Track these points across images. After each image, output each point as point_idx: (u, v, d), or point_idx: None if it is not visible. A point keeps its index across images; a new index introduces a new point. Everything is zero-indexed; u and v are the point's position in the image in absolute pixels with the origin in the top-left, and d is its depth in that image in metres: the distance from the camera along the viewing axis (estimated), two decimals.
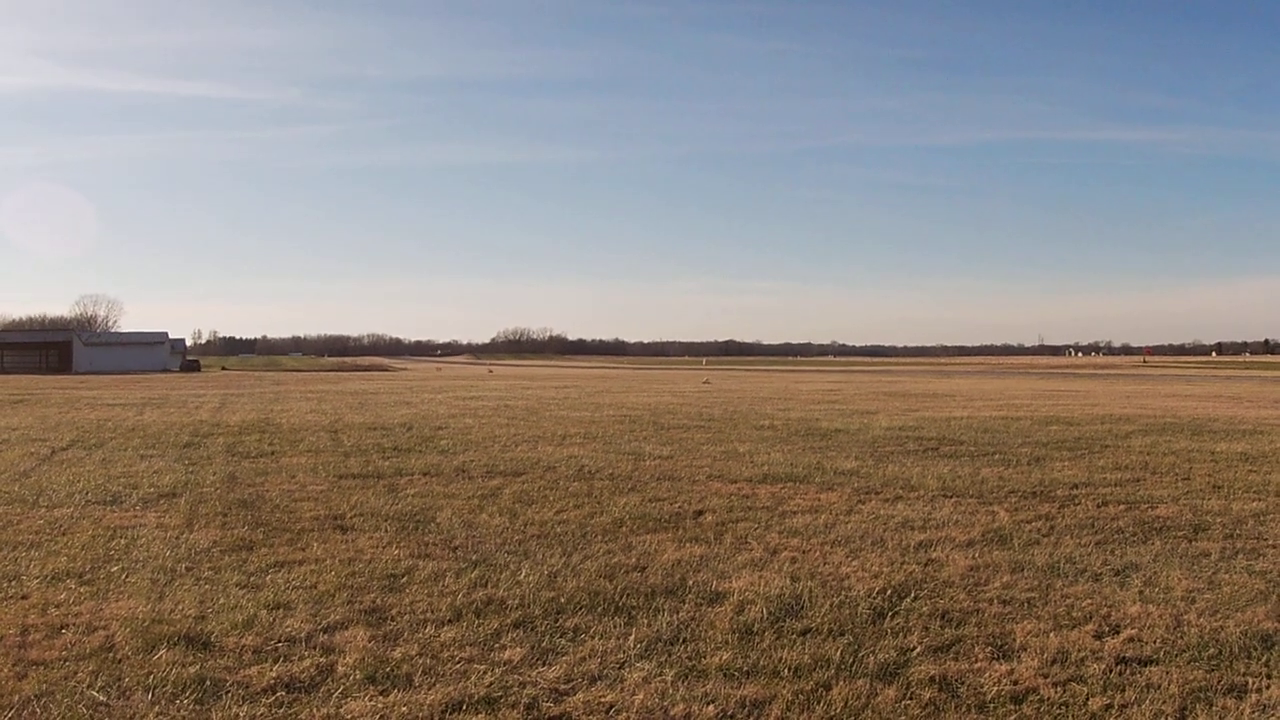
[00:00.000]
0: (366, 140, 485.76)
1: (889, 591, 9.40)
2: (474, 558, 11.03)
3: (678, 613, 8.76)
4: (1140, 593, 9.44)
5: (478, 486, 16.68)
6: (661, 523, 13.21)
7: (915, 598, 9.21)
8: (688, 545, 11.62)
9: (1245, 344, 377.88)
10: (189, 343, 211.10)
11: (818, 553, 11.20)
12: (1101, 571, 10.27)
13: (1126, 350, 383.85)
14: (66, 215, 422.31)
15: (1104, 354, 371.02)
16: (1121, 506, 14.40)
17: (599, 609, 8.89)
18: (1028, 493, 15.74)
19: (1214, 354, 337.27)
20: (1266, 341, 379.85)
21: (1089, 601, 9.12)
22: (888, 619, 8.60)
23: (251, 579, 10.17)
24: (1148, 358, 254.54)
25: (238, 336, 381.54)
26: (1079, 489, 16.11)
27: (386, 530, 12.79)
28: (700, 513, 13.97)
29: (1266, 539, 12.09)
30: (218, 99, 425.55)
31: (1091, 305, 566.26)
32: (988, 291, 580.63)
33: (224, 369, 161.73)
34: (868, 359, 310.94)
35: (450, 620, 8.61)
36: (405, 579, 10.07)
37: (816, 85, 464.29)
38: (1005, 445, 22.85)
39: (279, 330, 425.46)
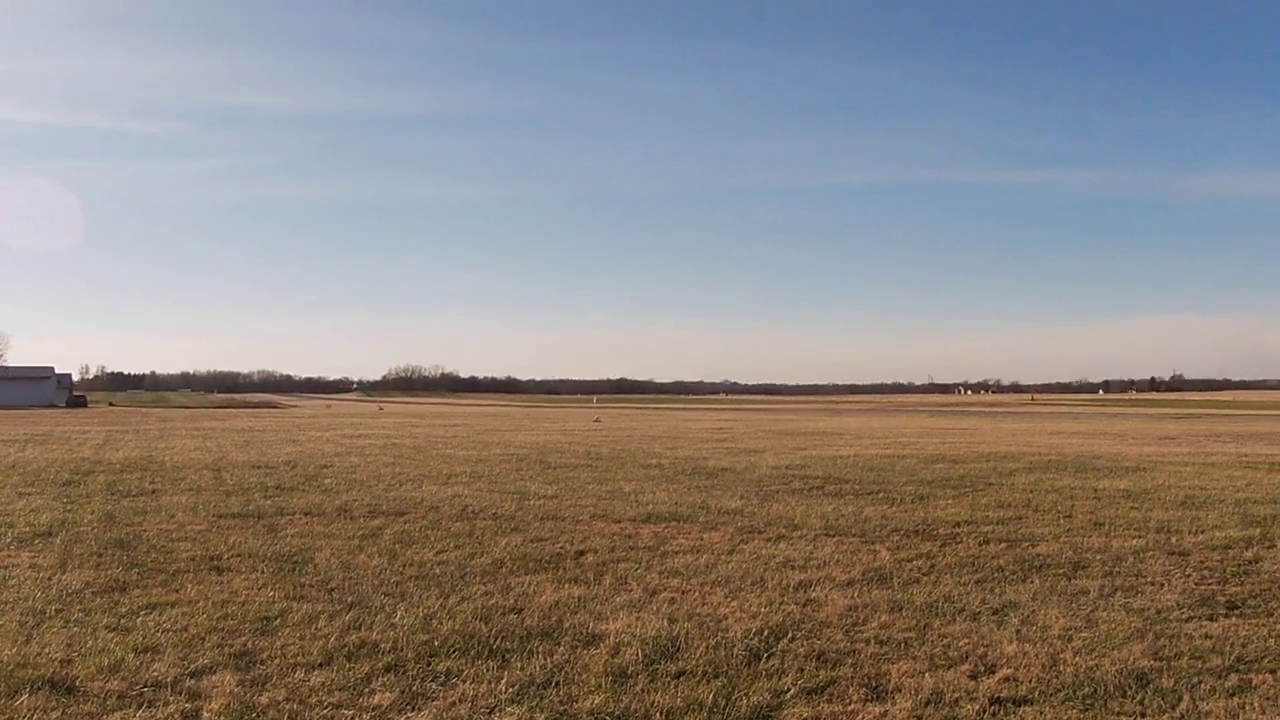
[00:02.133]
0: (259, 174, 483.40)
1: (766, 632, 9.34)
2: (349, 600, 10.87)
3: (552, 655, 8.66)
4: (1018, 631, 9.45)
5: (359, 526, 16.49)
6: (542, 563, 13.09)
7: (792, 638, 9.16)
8: (567, 586, 11.52)
9: (1131, 381, 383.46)
10: (76, 378, 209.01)
11: (697, 593, 11.13)
12: (980, 610, 10.27)
13: (1015, 388, 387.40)
14: None
15: (993, 392, 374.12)
16: (1003, 544, 14.45)
17: (473, 652, 8.77)
18: (910, 531, 15.76)
19: (1101, 392, 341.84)
20: (1152, 379, 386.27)
21: (966, 641, 9.11)
22: (763, 660, 8.54)
23: (122, 621, 9.96)
24: (1036, 396, 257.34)
25: (126, 372, 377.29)
26: (961, 527, 16.16)
27: (263, 571, 12.58)
28: (582, 553, 13.86)
29: (1145, 576, 12.16)
30: (106, 130, 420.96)
31: (982, 344, 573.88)
32: (880, 330, 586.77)
33: (111, 405, 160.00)
34: (760, 397, 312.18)
35: (321, 664, 8.46)
36: (278, 621, 9.90)
37: (716, 125, 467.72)
38: (890, 483, 22.89)
39: (169, 366, 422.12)
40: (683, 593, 11.18)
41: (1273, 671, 8.32)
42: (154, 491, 21.92)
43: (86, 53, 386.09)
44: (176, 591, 11.40)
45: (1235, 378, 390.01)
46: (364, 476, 25.07)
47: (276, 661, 8.52)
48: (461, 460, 30.69)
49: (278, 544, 14.71)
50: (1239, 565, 12.98)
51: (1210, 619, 10.00)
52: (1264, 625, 9.75)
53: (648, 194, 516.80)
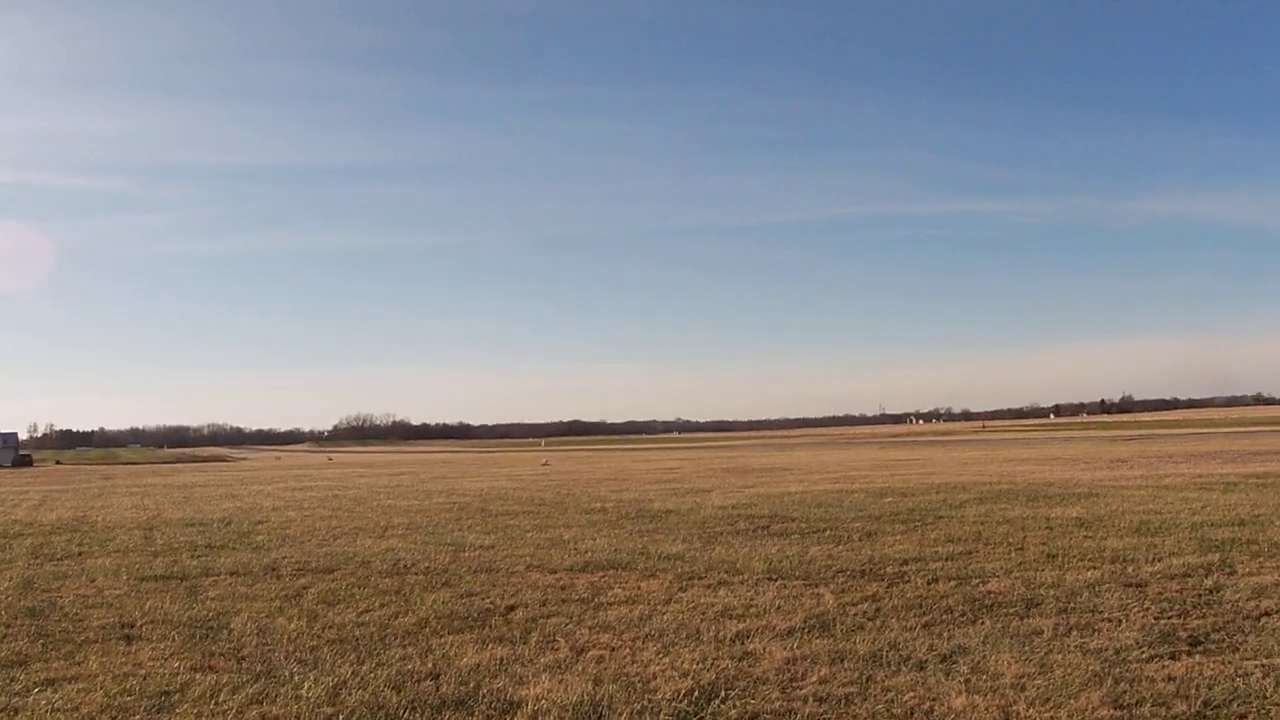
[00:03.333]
0: (204, 228, 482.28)
1: (697, 693, 8.70)
2: (259, 669, 10.21)
3: None
4: (967, 681, 8.84)
5: (283, 586, 15.79)
6: (469, 621, 12.44)
7: (725, 699, 8.53)
8: (491, 646, 10.86)
9: (1083, 405, 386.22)
10: (24, 436, 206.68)
11: (628, 650, 10.49)
12: (927, 659, 9.66)
13: (967, 416, 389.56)
14: None
15: (945, 421, 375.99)
16: (952, 582, 13.87)
17: None
18: (856, 571, 15.15)
19: (1052, 416, 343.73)
20: (1103, 402, 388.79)
21: (912, 695, 8.49)
22: None
23: (14, 700, 9.35)
24: (987, 423, 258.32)
25: (75, 429, 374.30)
26: (909, 565, 15.56)
27: (175, 639, 11.94)
28: (512, 608, 13.22)
29: (1101, 612, 11.59)
30: (49, 186, 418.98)
31: (933, 373, 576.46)
32: (832, 362, 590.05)
33: (58, 463, 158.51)
34: (713, 435, 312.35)
35: None
36: (178, 696, 9.26)
37: (660, 166, 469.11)
38: (838, 520, 22.30)
39: (118, 422, 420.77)
40: (612, 650, 10.54)
41: (1243, 717, 7.75)
42: (80, 554, 21.16)
43: (27, 110, 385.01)
44: (79, 665, 10.79)
45: (1184, 397, 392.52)
46: (298, 532, 24.34)
47: None
48: (401, 511, 29.97)
49: (196, 608, 14.06)
50: (1199, 595, 12.45)
51: (1172, 657, 9.42)
52: (1230, 662, 9.18)
53: (601, 235, 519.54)
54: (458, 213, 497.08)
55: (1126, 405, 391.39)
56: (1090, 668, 9.11)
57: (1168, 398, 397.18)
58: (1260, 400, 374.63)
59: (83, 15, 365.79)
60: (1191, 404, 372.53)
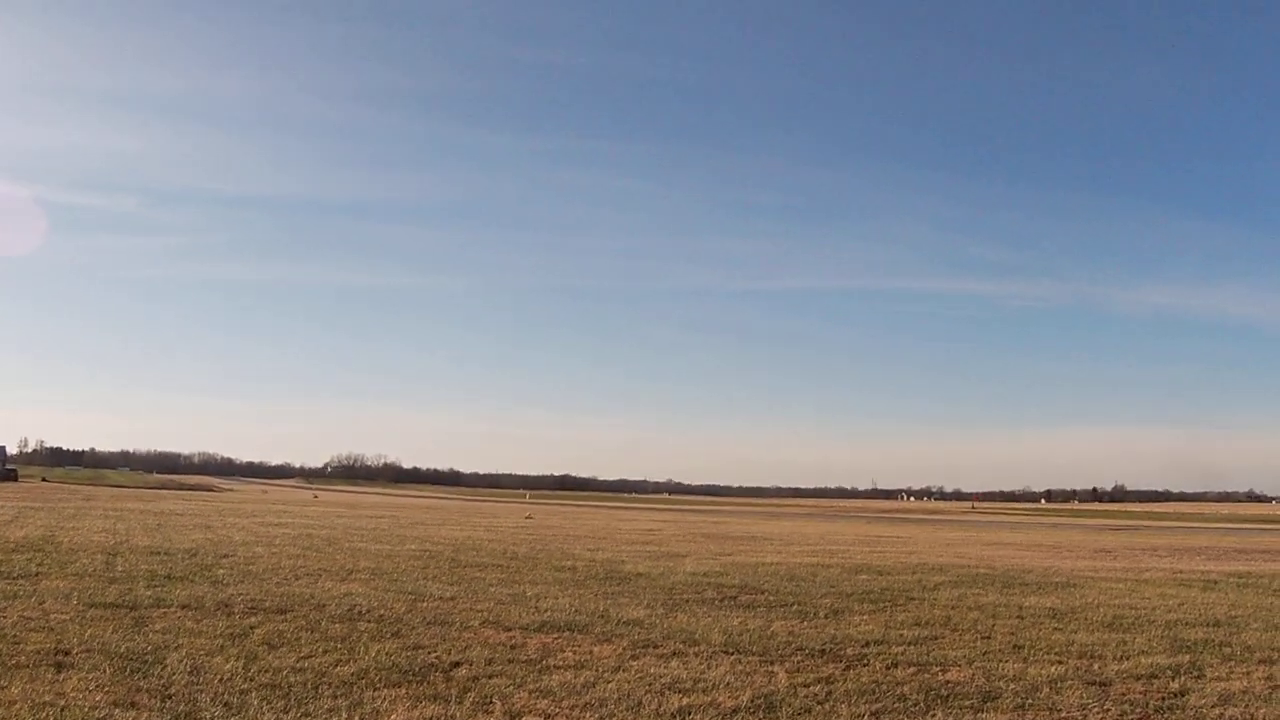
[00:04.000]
0: (210, 254, 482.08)
1: None
2: (181, 709, 9.88)
3: None
4: None
5: (231, 624, 15.43)
6: (409, 675, 12.06)
7: None
8: (423, 705, 10.49)
9: (1074, 491, 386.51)
10: (14, 451, 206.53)
11: (563, 719, 10.12)
12: None
13: (958, 495, 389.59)
14: None
15: (936, 499, 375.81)
16: (911, 669, 13.49)
17: None
18: (816, 650, 14.73)
19: (1043, 501, 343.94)
20: (1095, 489, 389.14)
21: None
22: None
23: None
24: (977, 504, 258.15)
25: (66, 447, 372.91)
26: (871, 647, 15.15)
27: (105, 671, 11.62)
28: (457, 664, 12.84)
29: (1060, 710, 11.21)
30: (51, 202, 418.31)
31: (926, 450, 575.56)
32: (826, 434, 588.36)
33: (44, 480, 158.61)
34: (702, 498, 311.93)
35: None
36: None
37: (665, 224, 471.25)
38: (807, 595, 21.88)
39: (109, 444, 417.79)
40: (547, 717, 10.18)
41: None
42: (36, 575, 20.96)
43: (32, 121, 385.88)
44: (1, 690, 10.39)
45: (1175, 489, 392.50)
46: (261, 569, 23.97)
47: None
48: (370, 555, 29.60)
49: (136, 640, 13.75)
50: (1163, 698, 12.07)
51: None
52: None
53: (599, 290, 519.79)
54: (463, 257, 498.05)
55: (1119, 494, 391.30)
56: None
57: (1160, 489, 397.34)
58: (1253, 497, 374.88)
59: (103, 31, 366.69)
60: (1183, 497, 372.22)
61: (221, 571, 22.88)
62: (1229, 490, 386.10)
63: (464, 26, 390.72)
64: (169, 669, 11.88)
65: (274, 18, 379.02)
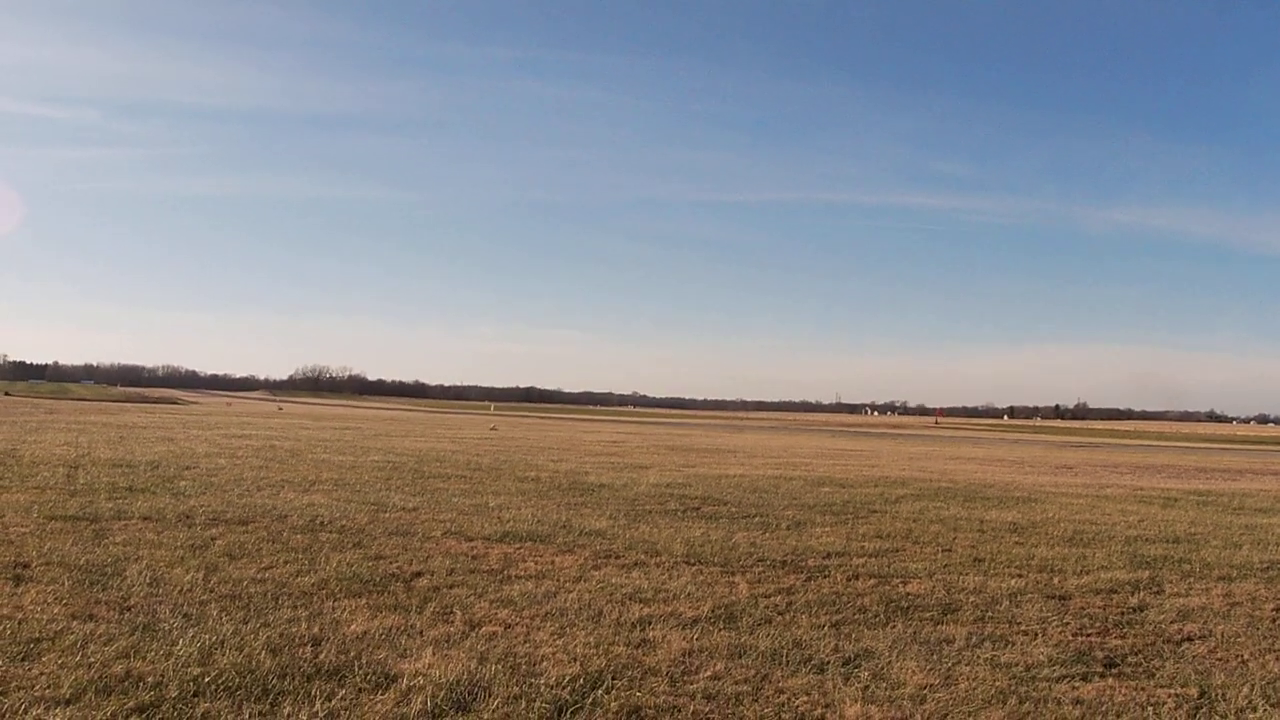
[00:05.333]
0: (172, 167, 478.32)
1: (582, 680, 8.30)
2: (140, 621, 9.79)
3: (330, 700, 7.61)
4: (866, 689, 8.45)
5: (192, 535, 15.36)
6: (370, 585, 12.02)
7: (609, 688, 8.13)
8: (383, 614, 10.44)
9: (1037, 409, 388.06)
10: None
11: (523, 628, 10.09)
12: (829, 660, 9.27)
13: (922, 410, 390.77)
14: None
15: (899, 414, 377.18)
16: (872, 580, 13.51)
17: (243, 692, 7.72)
18: (777, 562, 14.76)
19: (1006, 418, 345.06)
20: (1057, 407, 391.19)
21: (805, 699, 8.11)
22: (567, 715, 7.52)
23: None
24: (940, 419, 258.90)
25: (29, 361, 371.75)
26: (832, 559, 15.19)
27: (64, 583, 11.51)
28: (418, 574, 12.82)
29: (1019, 623, 11.22)
30: (9, 113, 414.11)
31: (891, 365, 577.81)
32: (790, 348, 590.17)
33: (6, 394, 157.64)
34: (667, 411, 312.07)
35: (69, 700, 7.43)
36: (48, 644, 8.84)
37: (629, 138, 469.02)
38: (769, 507, 21.96)
39: (73, 358, 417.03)
40: (507, 626, 10.13)
41: None
42: None
43: None
44: None
45: (1138, 408, 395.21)
46: (224, 480, 23.92)
47: (21, 694, 7.48)
48: (334, 466, 29.56)
49: (97, 552, 13.65)
50: (1122, 613, 12.10)
51: (1084, 679, 9.05)
52: (1143, 689, 8.82)
53: (565, 203, 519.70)
54: (427, 170, 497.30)
55: (1081, 412, 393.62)
56: (997, 683, 8.75)
57: (1122, 408, 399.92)
58: (1214, 417, 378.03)
59: None
60: (1145, 416, 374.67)
61: (184, 484, 22.80)
62: (1190, 410, 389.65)
63: None
64: (128, 581, 11.80)
65: None
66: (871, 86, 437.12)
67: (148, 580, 11.86)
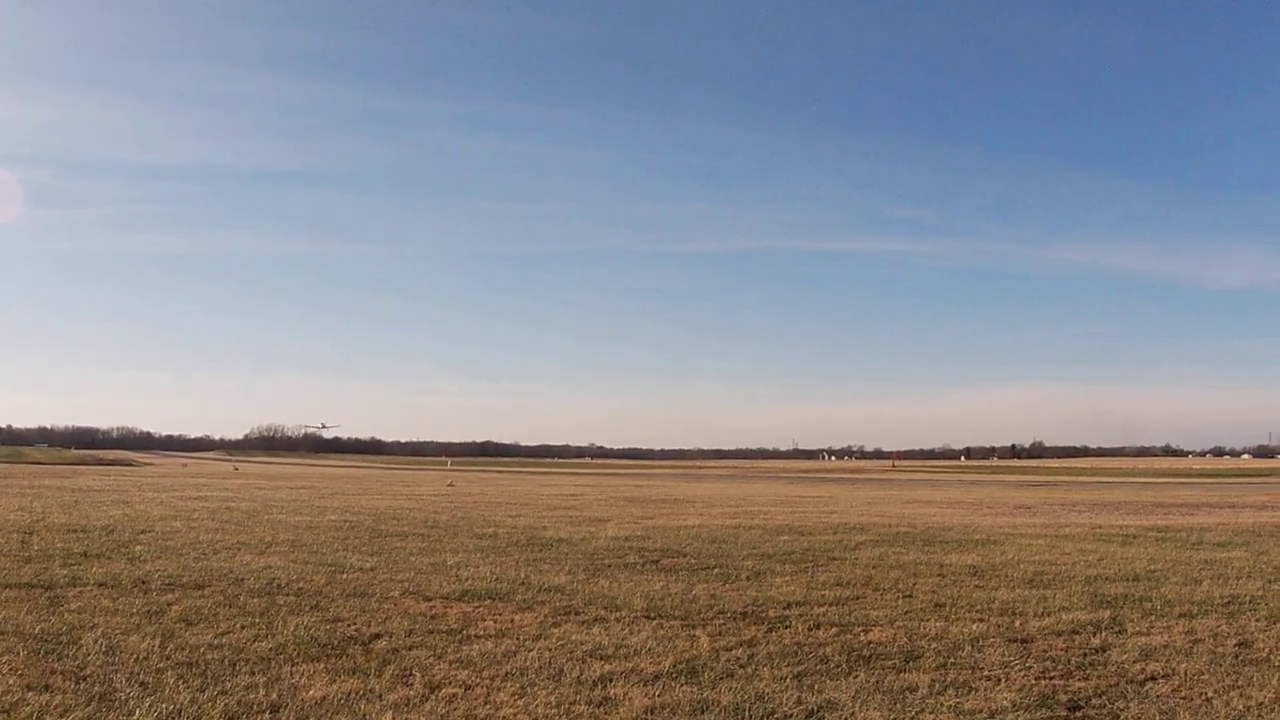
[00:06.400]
0: (125, 225, 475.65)
1: None
2: (96, 690, 9.71)
3: None
4: None
5: (149, 601, 15.21)
6: (328, 649, 11.93)
7: None
8: (342, 679, 10.36)
9: (994, 449, 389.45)
10: None
11: (483, 689, 10.03)
12: (792, 713, 9.25)
13: (879, 454, 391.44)
14: None
15: (857, 458, 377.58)
16: (834, 629, 13.49)
17: None
18: (738, 613, 14.71)
19: (963, 458, 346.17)
20: (1014, 446, 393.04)
21: None
22: None
23: None
24: (897, 462, 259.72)
25: None
26: (793, 608, 15.14)
27: (19, 653, 11.40)
28: (377, 636, 12.74)
29: (981, 669, 11.21)
30: None
31: (846, 410, 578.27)
32: (746, 395, 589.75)
33: None
34: (625, 462, 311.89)
35: None
36: (4, 717, 8.72)
37: (579, 189, 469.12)
38: (729, 557, 21.88)
39: (26, 420, 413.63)
40: (467, 688, 10.07)
41: None
42: None
43: None
44: None
45: (1094, 445, 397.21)
46: (180, 544, 23.70)
47: None
48: (290, 527, 29.34)
49: (52, 620, 13.53)
50: (1085, 654, 12.11)
51: None
52: None
53: (517, 255, 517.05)
54: (380, 225, 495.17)
55: (1037, 451, 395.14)
56: None
57: (1078, 445, 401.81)
58: (1169, 451, 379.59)
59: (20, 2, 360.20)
60: (1101, 452, 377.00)
61: (139, 548, 22.58)
62: (1146, 445, 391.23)
63: None
64: (84, 649, 11.70)
65: None
66: (814, 132, 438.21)
67: (104, 648, 11.75)
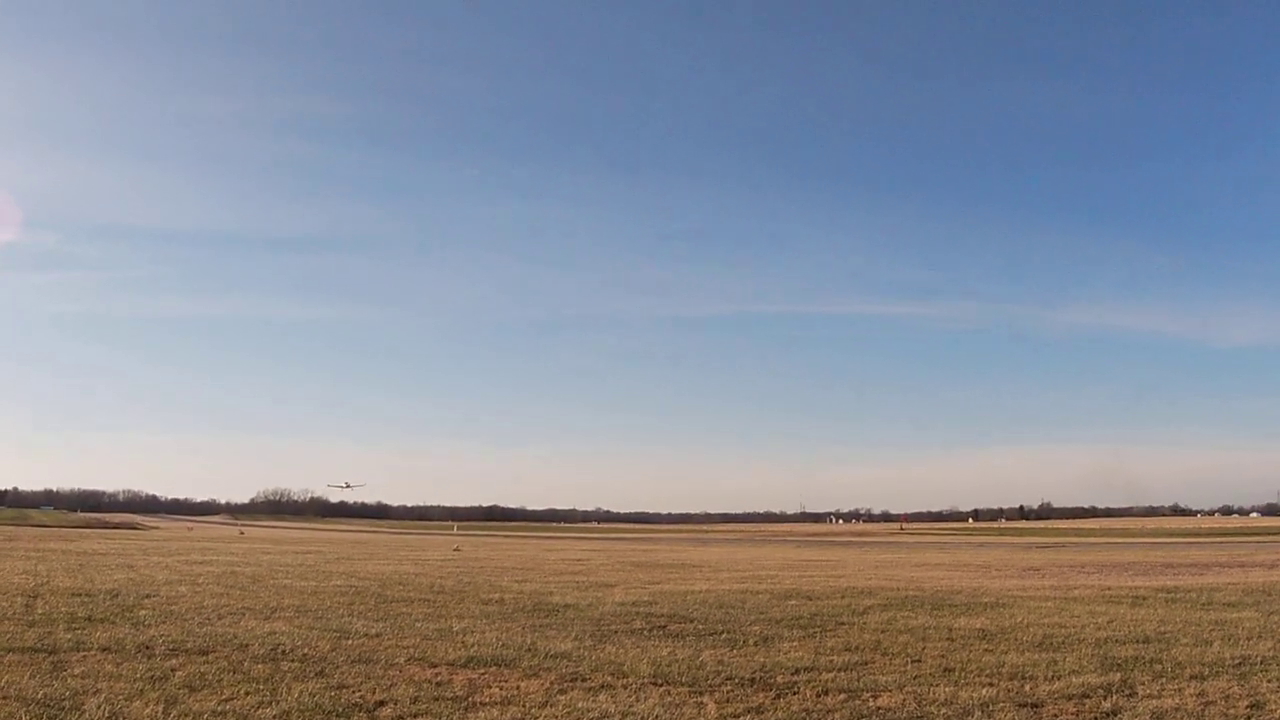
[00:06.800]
0: (130, 289, 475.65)
1: None
2: None
3: None
4: None
5: (152, 666, 15.14)
6: (333, 716, 11.91)
7: None
8: None
9: (1001, 510, 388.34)
10: None
11: None
12: None
13: (886, 517, 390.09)
14: None
15: (864, 521, 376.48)
16: (842, 695, 13.40)
17: None
18: (745, 679, 14.61)
19: (971, 520, 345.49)
20: (1022, 507, 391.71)
21: None
22: None
23: None
24: (905, 525, 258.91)
25: None
26: (801, 674, 15.04)
27: (22, 718, 11.39)
28: (381, 703, 12.67)
29: None
30: None
31: (853, 473, 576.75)
32: (753, 458, 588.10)
33: None
34: (632, 526, 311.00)
35: None
36: None
37: (588, 252, 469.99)
38: (737, 623, 21.75)
39: (32, 483, 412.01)
40: None
41: None
42: None
43: None
44: None
45: (1102, 505, 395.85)
46: (184, 608, 23.58)
47: None
48: (295, 592, 29.20)
49: (54, 685, 13.49)
50: (1096, 718, 12.10)
51: None
52: None
53: (529, 320, 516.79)
54: (387, 289, 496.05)
55: (1045, 511, 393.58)
56: None
57: (1086, 505, 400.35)
58: (1177, 510, 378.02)
59: (17, 60, 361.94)
60: (1110, 513, 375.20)
61: (143, 612, 22.47)
62: (1154, 505, 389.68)
63: (392, 55, 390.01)
64: (87, 715, 11.69)
65: (197, 46, 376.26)
66: (824, 196, 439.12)
67: (106, 714, 11.75)
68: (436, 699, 13.03)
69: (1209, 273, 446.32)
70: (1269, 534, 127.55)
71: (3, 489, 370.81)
